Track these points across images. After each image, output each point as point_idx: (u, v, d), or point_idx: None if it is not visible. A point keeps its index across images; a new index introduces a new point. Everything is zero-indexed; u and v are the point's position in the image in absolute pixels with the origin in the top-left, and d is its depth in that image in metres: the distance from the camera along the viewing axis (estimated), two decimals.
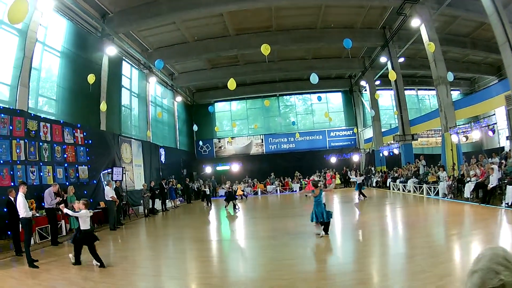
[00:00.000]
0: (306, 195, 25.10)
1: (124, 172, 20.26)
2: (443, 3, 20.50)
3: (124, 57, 24.41)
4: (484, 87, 31.10)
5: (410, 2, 20.93)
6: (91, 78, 16.04)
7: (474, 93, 29.73)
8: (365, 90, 35.07)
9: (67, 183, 15.85)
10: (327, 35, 26.37)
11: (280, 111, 39.46)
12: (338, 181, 32.45)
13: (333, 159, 36.10)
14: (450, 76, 19.76)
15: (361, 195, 21.27)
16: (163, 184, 23.86)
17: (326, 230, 10.60)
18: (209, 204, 24.18)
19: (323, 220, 10.55)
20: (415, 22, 21.46)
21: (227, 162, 37.56)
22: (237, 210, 19.93)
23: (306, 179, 30.55)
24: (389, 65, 27.20)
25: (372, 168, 32.33)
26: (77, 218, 9.07)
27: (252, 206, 23.77)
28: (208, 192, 24.80)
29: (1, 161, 12.64)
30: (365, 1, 22.30)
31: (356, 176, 25.18)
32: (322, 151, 37.29)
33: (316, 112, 38.78)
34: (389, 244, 8.94)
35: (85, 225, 8.83)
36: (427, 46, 19.59)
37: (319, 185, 11.28)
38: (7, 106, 13.64)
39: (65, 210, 9.47)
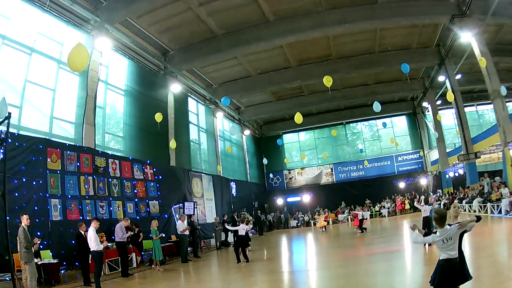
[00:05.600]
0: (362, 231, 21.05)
1: (195, 206, 20.32)
2: (488, 13, 19.77)
3: (189, 94, 25.11)
4: None
5: (458, 16, 20.36)
6: (158, 117, 16.49)
7: None
8: (428, 111, 33.97)
9: (138, 217, 16.17)
10: (385, 59, 25.98)
11: (348, 139, 38.85)
12: (407, 206, 30.81)
13: (401, 184, 34.89)
14: (503, 90, 19.14)
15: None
16: (235, 217, 23.62)
17: None
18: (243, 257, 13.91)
19: None
20: (465, 36, 20.81)
21: (298, 193, 37.31)
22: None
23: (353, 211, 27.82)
24: (447, 84, 26.18)
25: (440, 191, 30.42)
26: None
27: (323, 236, 22.83)
28: (240, 232, 14.21)
29: (69, 196, 13.08)
30: (416, 20, 21.75)
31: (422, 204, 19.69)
32: (391, 177, 36.20)
33: (383, 138, 37.81)
34: None
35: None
36: (479, 61, 19.13)
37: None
38: (73, 143, 14.27)
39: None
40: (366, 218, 22.11)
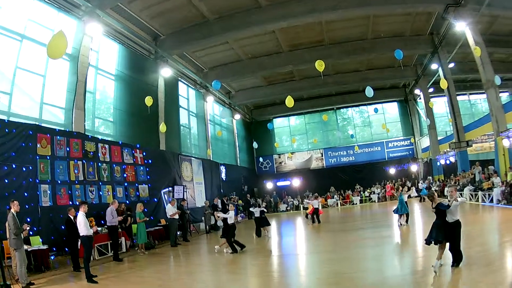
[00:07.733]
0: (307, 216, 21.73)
1: (185, 190, 20.49)
2: (483, 3, 19.88)
3: (180, 78, 25.05)
4: None
5: (453, 5, 20.46)
6: (148, 101, 16.48)
7: None
8: (420, 99, 34.22)
9: (127, 202, 16.29)
10: (378, 45, 26.13)
11: (338, 124, 39.09)
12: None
13: (392, 170, 35.40)
14: (497, 80, 19.49)
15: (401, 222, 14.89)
16: (224, 201, 23.84)
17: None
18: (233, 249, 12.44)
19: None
20: (459, 26, 20.96)
21: (287, 177, 37.65)
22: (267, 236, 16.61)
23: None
24: (440, 72, 26.44)
25: (430, 178, 31.08)
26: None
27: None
28: (219, 216, 14.11)
29: (59, 181, 13.15)
30: (410, 8, 21.79)
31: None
32: (381, 163, 36.69)
33: (374, 124, 38.29)
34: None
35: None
36: (473, 50, 19.35)
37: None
38: (62, 129, 14.29)
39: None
40: (318, 208, 20.46)
